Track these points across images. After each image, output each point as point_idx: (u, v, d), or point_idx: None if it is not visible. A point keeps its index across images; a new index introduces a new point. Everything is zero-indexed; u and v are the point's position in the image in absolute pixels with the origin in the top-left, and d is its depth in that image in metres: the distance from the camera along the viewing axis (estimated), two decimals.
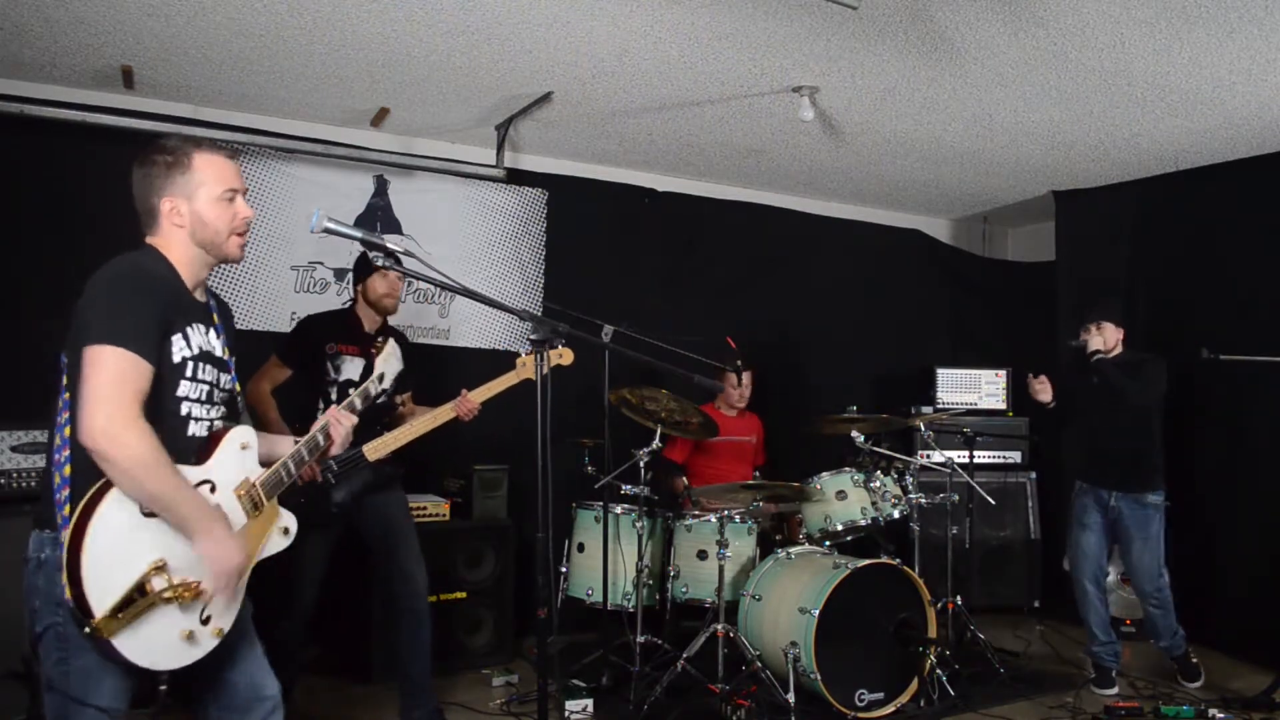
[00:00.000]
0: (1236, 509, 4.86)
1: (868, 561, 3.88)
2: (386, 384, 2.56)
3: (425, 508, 4.31)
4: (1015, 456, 5.77)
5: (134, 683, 1.89)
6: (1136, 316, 5.23)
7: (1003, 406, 5.85)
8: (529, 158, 5.30)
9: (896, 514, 4.23)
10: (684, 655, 3.86)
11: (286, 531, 2.19)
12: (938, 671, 3.91)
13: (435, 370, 4.45)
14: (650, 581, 4.24)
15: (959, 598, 4.53)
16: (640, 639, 3.97)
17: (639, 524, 4.12)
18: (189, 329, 1.98)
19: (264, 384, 3.47)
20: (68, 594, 1.71)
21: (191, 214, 2.00)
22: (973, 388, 5.87)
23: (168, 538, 1.85)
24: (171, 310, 1.94)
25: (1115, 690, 4.19)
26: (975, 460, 4.86)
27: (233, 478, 2.04)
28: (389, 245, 2.24)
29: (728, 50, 3.79)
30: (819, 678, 3.62)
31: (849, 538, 4.32)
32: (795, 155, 5.27)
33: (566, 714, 3.71)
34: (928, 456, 4.64)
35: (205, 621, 1.92)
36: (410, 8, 3.47)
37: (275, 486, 2.13)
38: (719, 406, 4.92)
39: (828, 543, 4.26)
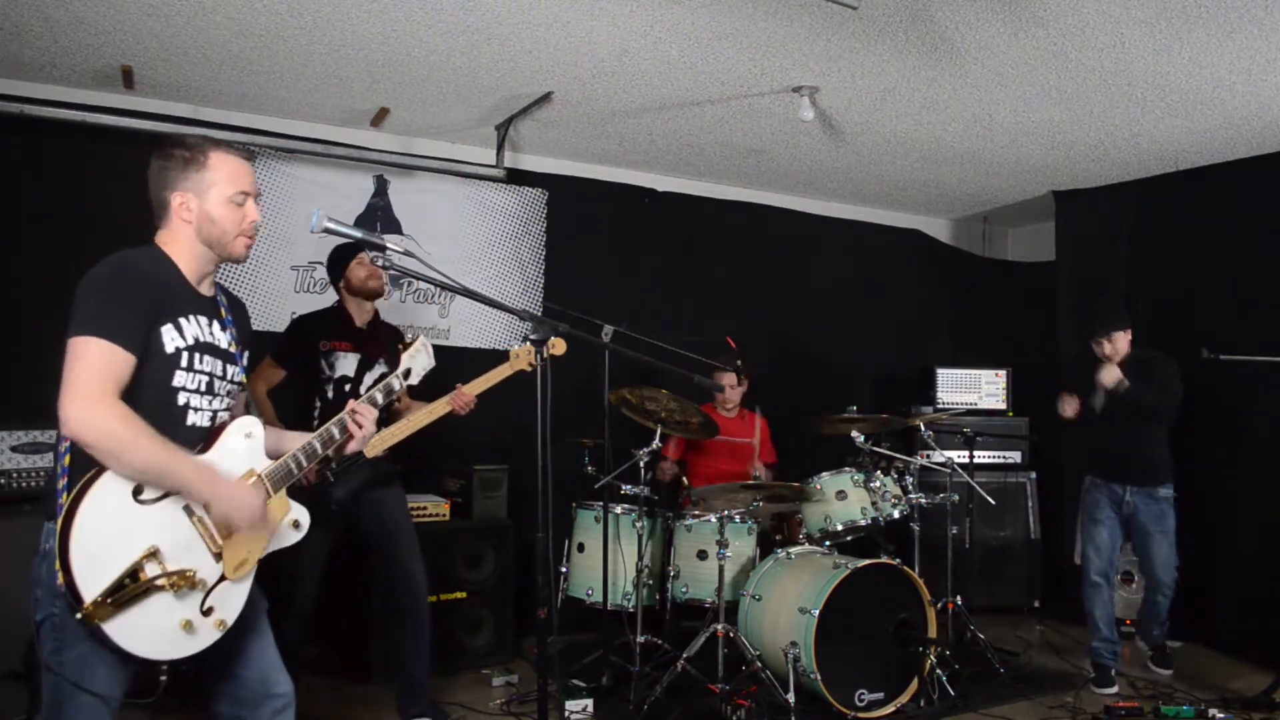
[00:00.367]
0: (1236, 509, 4.86)
1: (868, 561, 3.88)
2: (414, 379, 2.52)
3: (425, 507, 4.31)
4: (1015, 456, 5.77)
5: (130, 672, 1.90)
6: (1137, 316, 5.21)
7: (1003, 406, 5.85)
8: (529, 158, 5.30)
9: (896, 514, 4.23)
10: (684, 655, 3.86)
11: (297, 525, 2.16)
12: (938, 671, 3.91)
13: (435, 370, 4.43)
14: (650, 581, 4.24)
15: (959, 598, 4.53)
16: (640, 639, 3.97)
17: (639, 524, 4.12)
18: (183, 320, 1.98)
19: (259, 386, 3.47)
20: (60, 579, 1.73)
21: (200, 211, 2.02)
22: (973, 388, 5.87)
23: (162, 525, 1.87)
24: (161, 303, 1.95)
25: (1115, 690, 4.20)
26: (975, 460, 4.86)
27: (237, 467, 2.04)
28: (389, 245, 2.24)
29: (728, 50, 3.79)
30: (819, 678, 3.62)
31: (849, 538, 4.32)
32: (795, 155, 5.27)
33: (566, 714, 3.71)
34: (928, 456, 4.64)
35: (207, 613, 1.92)
36: (410, 8, 3.47)
37: (284, 479, 2.11)
38: (718, 407, 4.93)
39: (828, 543, 4.26)
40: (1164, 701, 3.95)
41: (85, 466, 1.81)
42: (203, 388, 2.03)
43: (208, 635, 1.93)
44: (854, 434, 4.29)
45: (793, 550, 4.16)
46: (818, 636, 3.63)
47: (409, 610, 3.47)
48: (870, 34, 3.60)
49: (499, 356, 3.50)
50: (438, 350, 2.67)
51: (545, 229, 5.28)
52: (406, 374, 2.49)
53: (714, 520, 4.07)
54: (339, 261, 3.55)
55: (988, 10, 3.38)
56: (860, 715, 3.72)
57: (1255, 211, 4.88)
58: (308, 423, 3.35)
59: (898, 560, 4.00)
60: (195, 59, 3.95)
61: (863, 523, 4.19)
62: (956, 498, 4.59)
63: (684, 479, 4.83)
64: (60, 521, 1.76)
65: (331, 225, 2.16)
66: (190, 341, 1.99)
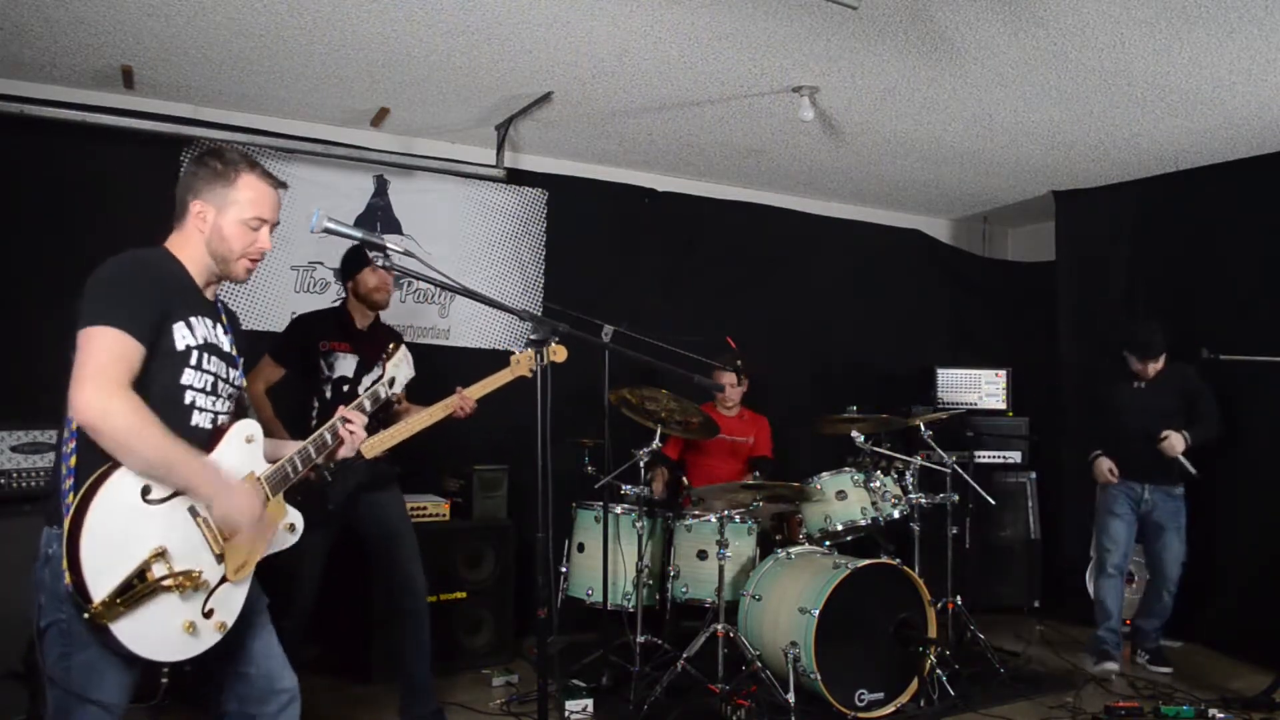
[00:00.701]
0: (1236, 509, 4.86)
1: (868, 561, 3.88)
2: (397, 389, 2.59)
3: (425, 508, 4.31)
4: (1015, 456, 5.77)
5: (136, 677, 1.90)
6: (1137, 317, 5.23)
7: (1003, 406, 5.85)
8: (529, 158, 5.30)
9: (896, 514, 4.23)
10: (684, 655, 3.86)
11: (292, 528, 2.19)
12: (938, 671, 3.91)
13: (435, 370, 4.43)
14: (650, 581, 4.24)
15: (959, 598, 4.53)
16: (640, 639, 3.97)
17: (639, 524, 4.12)
18: (192, 319, 2.00)
19: (258, 384, 3.47)
20: (67, 579, 1.72)
21: (215, 225, 2.05)
22: (973, 388, 5.87)
23: (169, 526, 1.87)
24: (172, 299, 1.96)
25: (1117, 666, 4.31)
26: (975, 460, 4.86)
27: (237, 470, 2.05)
28: (389, 245, 2.24)
29: (728, 50, 3.79)
30: (819, 678, 3.62)
31: (849, 538, 4.31)
32: (795, 155, 5.27)
33: (566, 714, 3.70)
34: (928, 456, 4.64)
35: (208, 615, 1.93)
36: (410, 8, 3.47)
37: (281, 482, 2.14)
38: (718, 406, 4.93)
39: (828, 543, 4.26)
40: (1164, 701, 3.95)
41: (92, 466, 1.80)
42: (209, 388, 2.04)
43: (209, 637, 1.93)
44: (854, 434, 4.29)
45: (793, 550, 4.16)
46: (818, 636, 3.63)
47: (408, 611, 3.47)
48: (870, 34, 3.60)
49: (499, 356, 3.51)
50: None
51: (545, 229, 5.28)
52: (391, 382, 2.56)
53: (714, 520, 4.07)
54: (352, 265, 3.55)
55: (988, 10, 3.38)
56: (860, 715, 3.72)
57: (1255, 211, 4.88)
58: (306, 422, 3.36)
59: (898, 560, 4.00)
60: (195, 59, 3.95)
61: (863, 523, 4.19)
62: (956, 498, 4.59)
63: (684, 479, 4.83)
64: (69, 520, 1.75)
65: (331, 225, 2.16)
66: (200, 341, 2.01)
